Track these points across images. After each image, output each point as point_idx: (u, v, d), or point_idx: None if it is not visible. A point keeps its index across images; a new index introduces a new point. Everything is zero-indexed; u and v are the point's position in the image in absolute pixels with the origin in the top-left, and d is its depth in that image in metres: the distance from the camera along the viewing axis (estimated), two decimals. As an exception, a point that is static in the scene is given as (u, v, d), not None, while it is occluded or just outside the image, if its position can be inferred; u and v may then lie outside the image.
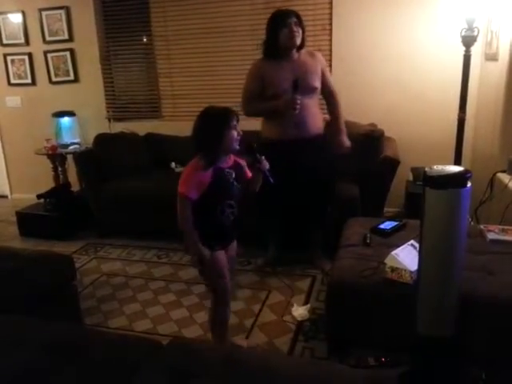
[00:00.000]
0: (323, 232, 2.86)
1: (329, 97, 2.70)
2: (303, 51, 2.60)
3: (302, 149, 2.54)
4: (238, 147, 1.84)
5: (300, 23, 2.50)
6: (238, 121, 1.83)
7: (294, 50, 2.55)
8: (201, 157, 1.81)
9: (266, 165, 1.90)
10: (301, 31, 2.51)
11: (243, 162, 1.95)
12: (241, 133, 1.84)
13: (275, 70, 2.54)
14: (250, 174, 1.96)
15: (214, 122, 1.81)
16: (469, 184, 1.49)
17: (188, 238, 1.84)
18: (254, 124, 2.73)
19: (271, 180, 1.90)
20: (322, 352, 2.07)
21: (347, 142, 2.68)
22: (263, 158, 1.90)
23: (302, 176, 2.59)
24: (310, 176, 2.61)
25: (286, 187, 2.56)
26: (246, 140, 1.87)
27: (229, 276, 1.97)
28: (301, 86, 2.43)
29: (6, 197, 4.88)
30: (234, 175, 1.87)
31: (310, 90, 2.54)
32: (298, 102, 2.42)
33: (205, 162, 1.79)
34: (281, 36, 2.48)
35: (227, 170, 1.85)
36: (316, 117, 2.60)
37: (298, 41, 2.51)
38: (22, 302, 1.93)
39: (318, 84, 2.58)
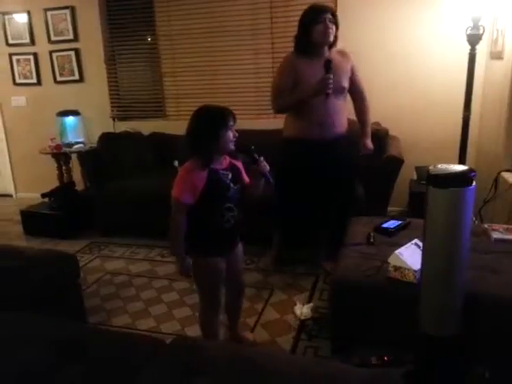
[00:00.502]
0: (328, 232, 2.85)
1: (358, 98, 2.65)
2: (334, 50, 2.54)
3: (324, 149, 2.51)
4: (233, 148, 1.77)
5: (335, 20, 2.44)
6: (234, 121, 1.76)
7: (326, 48, 2.49)
8: (195, 158, 1.75)
9: (266, 166, 1.81)
10: (335, 28, 2.44)
11: (240, 165, 1.87)
12: (236, 134, 1.76)
13: (306, 67, 2.47)
14: (247, 179, 1.87)
15: (210, 122, 1.73)
16: (473, 183, 1.49)
17: (173, 243, 1.81)
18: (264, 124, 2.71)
19: (271, 181, 1.83)
20: (325, 351, 2.07)
21: (370, 145, 2.65)
22: (262, 158, 1.81)
23: (323, 175, 2.57)
24: (332, 175, 2.58)
25: (306, 186, 2.57)
26: (243, 141, 1.79)
27: (222, 289, 1.92)
28: (332, 70, 2.31)
29: (10, 196, 4.91)
30: (230, 176, 1.80)
31: (338, 90, 2.47)
32: (331, 81, 2.31)
33: (200, 163, 1.73)
34: (314, 32, 2.41)
35: (222, 171, 1.78)
36: (341, 117, 2.55)
37: (332, 38, 2.44)
38: (26, 301, 1.93)
39: (346, 84, 2.53)
